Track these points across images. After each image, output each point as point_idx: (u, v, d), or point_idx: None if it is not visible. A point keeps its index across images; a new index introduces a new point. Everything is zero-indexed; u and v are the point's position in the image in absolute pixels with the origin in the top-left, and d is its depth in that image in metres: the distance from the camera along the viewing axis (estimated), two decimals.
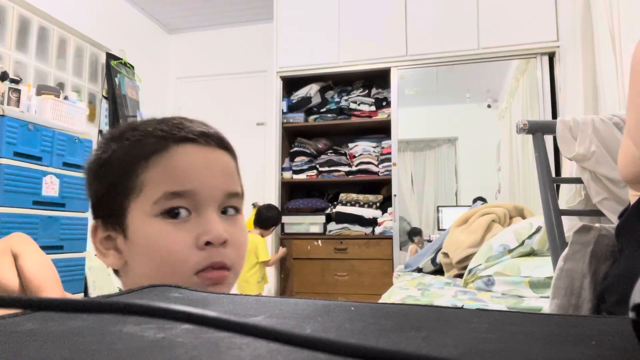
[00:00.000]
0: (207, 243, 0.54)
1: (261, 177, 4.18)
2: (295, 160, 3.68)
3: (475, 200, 3.40)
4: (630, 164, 0.76)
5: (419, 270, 2.54)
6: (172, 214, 0.54)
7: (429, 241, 3.46)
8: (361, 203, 3.51)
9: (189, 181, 0.55)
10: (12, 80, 2.65)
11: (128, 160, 0.56)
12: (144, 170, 0.55)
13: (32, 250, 0.47)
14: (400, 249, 3.39)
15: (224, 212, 0.59)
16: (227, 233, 0.55)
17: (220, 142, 0.61)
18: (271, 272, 3.51)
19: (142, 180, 0.55)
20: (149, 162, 0.55)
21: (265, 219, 3.21)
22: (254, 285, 3.03)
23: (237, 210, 0.61)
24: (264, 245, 3.18)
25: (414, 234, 3.66)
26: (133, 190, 0.55)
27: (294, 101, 3.71)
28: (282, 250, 3.42)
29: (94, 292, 2.91)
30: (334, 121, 3.65)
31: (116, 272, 0.60)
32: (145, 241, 0.54)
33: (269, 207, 3.30)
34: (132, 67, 4.01)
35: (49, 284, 0.46)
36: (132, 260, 0.56)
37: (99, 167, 0.58)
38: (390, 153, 3.47)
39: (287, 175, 3.64)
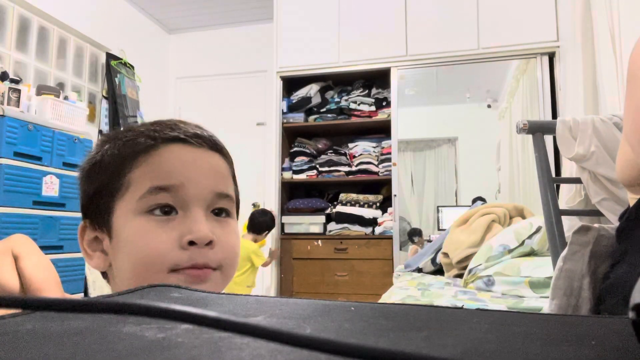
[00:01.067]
0: (191, 243, 0.52)
1: (261, 177, 4.18)
2: (295, 160, 3.68)
3: (474, 201, 3.40)
4: (627, 167, 0.76)
5: (419, 270, 2.54)
6: (156, 211, 0.53)
7: (429, 241, 3.46)
8: (361, 203, 3.51)
9: (175, 177, 0.54)
10: (12, 80, 2.65)
11: (118, 160, 0.55)
12: (132, 169, 0.54)
13: (32, 251, 0.47)
14: (400, 249, 3.39)
15: (215, 214, 0.57)
16: (213, 234, 0.53)
17: (213, 145, 0.59)
18: (271, 272, 3.51)
19: (128, 179, 0.54)
20: (137, 160, 0.54)
21: (258, 223, 3.17)
22: (244, 289, 3.01)
23: (228, 213, 0.58)
24: (258, 251, 3.13)
25: (414, 234, 3.66)
26: (120, 189, 0.54)
27: (294, 101, 3.71)
28: (274, 252, 3.40)
29: (94, 292, 2.91)
30: (334, 121, 3.65)
31: (104, 275, 0.59)
32: (127, 239, 0.53)
33: (263, 211, 3.28)
34: (132, 67, 4.01)
35: (49, 286, 0.46)
36: (115, 261, 0.55)
37: (91, 167, 0.58)
38: (390, 153, 3.47)
39: (287, 175, 3.64)
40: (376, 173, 3.54)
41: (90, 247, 0.57)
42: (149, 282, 0.47)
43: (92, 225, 0.57)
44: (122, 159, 0.55)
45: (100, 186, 0.56)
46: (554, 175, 1.17)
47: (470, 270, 1.88)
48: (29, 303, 0.17)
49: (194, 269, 0.52)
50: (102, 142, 0.59)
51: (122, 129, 0.60)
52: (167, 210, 0.53)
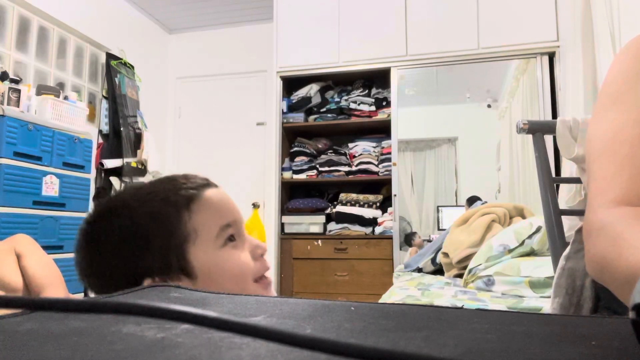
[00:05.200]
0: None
1: (261, 177, 4.18)
2: (295, 160, 3.68)
3: (469, 200, 3.39)
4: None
5: (419, 270, 2.54)
6: (228, 242, 0.64)
7: (429, 241, 3.46)
8: (361, 203, 3.51)
9: (231, 213, 0.66)
10: (12, 80, 2.65)
11: (168, 217, 0.61)
12: (190, 217, 0.62)
13: (34, 250, 0.48)
14: (400, 249, 3.39)
15: None
16: None
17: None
18: (271, 272, 3.51)
19: (193, 226, 0.61)
20: (191, 209, 0.62)
21: None
22: None
23: None
24: None
25: (410, 237, 3.67)
26: (188, 237, 0.61)
27: (294, 101, 3.71)
28: None
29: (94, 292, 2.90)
30: (334, 121, 3.65)
31: None
32: (218, 268, 0.62)
33: None
34: (132, 67, 4.01)
35: (51, 282, 0.46)
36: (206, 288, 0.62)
37: (128, 239, 0.60)
38: (390, 153, 3.47)
39: (287, 175, 3.64)
40: (376, 173, 3.54)
41: None
42: (247, 292, 0.55)
43: (157, 277, 0.60)
44: (175, 212, 0.61)
45: (161, 245, 0.60)
46: (554, 175, 1.17)
47: (470, 270, 1.88)
48: (29, 303, 0.17)
49: (267, 278, 0.67)
50: (107, 217, 0.62)
51: (116, 204, 0.64)
52: (232, 238, 0.65)
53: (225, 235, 0.64)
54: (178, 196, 0.63)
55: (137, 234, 0.59)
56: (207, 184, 0.67)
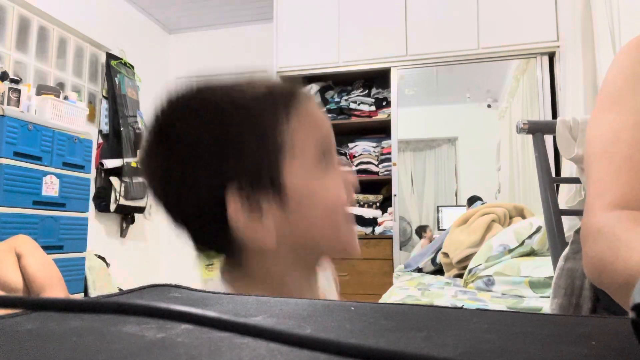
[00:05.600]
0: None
1: None
2: None
3: (470, 200, 3.39)
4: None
5: (419, 270, 2.54)
6: (324, 162, 0.53)
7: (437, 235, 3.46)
8: (361, 203, 3.51)
9: (327, 127, 0.55)
10: (12, 80, 2.65)
11: (259, 117, 0.50)
12: (288, 126, 0.50)
13: (35, 250, 0.47)
14: (400, 249, 3.39)
15: None
16: None
17: None
18: None
19: (290, 137, 0.50)
20: (290, 114, 0.51)
21: None
22: None
23: None
24: None
25: (421, 229, 3.67)
26: (284, 148, 0.49)
27: None
28: None
29: (94, 292, 2.91)
30: (334, 121, 3.65)
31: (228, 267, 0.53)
32: (310, 195, 0.51)
33: None
34: (132, 67, 4.01)
35: (51, 283, 0.46)
36: (291, 222, 0.50)
37: (208, 139, 0.49)
38: (390, 153, 3.47)
39: None
40: (376, 173, 3.54)
41: (248, 219, 0.48)
42: (338, 231, 0.53)
43: (248, 189, 0.48)
44: (272, 114, 0.50)
45: (254, 148, 0.49)
46: (554, 175, 1.17)
47: (470, 270, 1.88)
48: (29, 303, 0.17)
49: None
50: (189, 115, 0.51)
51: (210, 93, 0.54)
52: (326, 160, 0.54)
53: (321, 157, 0.53)
54: (275, 95, 0.52)
55: (226, 134, 0.48)
56: (306, 95, 0.55)
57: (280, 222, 0.49)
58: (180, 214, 0.52)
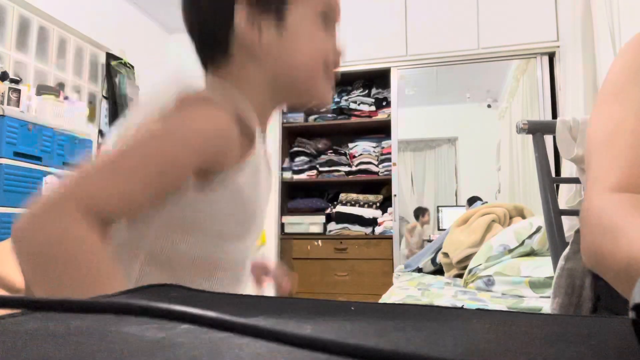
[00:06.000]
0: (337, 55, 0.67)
1: None
2: (295, 160, 3.68)
3: (470, 200, 3.39)
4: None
5: (419, 270, 2.54)
6: (321, 22, 0.64)
7: (429, 241, 3.46)
8: (361, 203, 3.51)
9: (337, 8, 0.66)
10: (12, 80, 2.65)
11: None
12: None
13: None
14: (401, 249, 3.39)
15: None
16: None
17: None
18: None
19: None
20: None
21: None
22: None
23: None
24: None
25: (420, 211, 3.66)
26: None
27: None
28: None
29: None
30: (334, 121, 3.65)
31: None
32: (305, 34, 0.62)
33: None
34: (132, 67, 4.01)
35: None
36: (279, 53, 0.61)
37: None
38: (390, 153, 3.47)
39: (287, 175, 3.64)
40: (376, 173, 3.54)
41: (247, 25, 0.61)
42: (316, 76, 0.63)
43: (258, 4, 0.60)
44: None
45: None
46: (554, 175, 1.17)
47: (470, 270, 1.88)
48: (29, 303, 0.17)
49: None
50: None
51: None
52: (326, 22, 0.65)
53: (322, 18, 0.64)
54: None
55: None
56: None
57: (272, 44, 0.61)
58: (198, 16, 0.65)
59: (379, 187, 3.65)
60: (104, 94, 3.73)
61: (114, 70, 3.76)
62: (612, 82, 0.63)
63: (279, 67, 0.62)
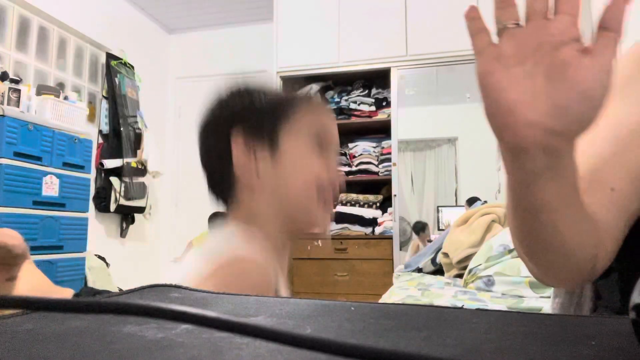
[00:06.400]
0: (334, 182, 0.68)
1: None
2: None
3: (469, 200, 3.39)
4: None
5: (419, 270, 2.54)
6: (315, 149, 0.66)
7: (429, 241, 3.46)
8: (361, 203, 3.51)
9: (327, 126, 0.69)
10: (12, 80, 2.65)
11: (278, 99, 0.67)
12: (294, 111, 0.66)
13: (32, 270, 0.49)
14: (400, 249, 3.38)
15: None
16: None
17: None
18: None
19: (294, 115, 0.66)
20: (299, 107, 0.67)
21: None
22: None
23: None
24: None
25: (419, 228, 3.65)
26: (286, 118, 0.65)
27: None
28: None
29: None
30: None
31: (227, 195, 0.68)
32: (295, 161, 0.65)
33: None
34: (132, 67, 4.01)
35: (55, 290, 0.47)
36: (277, 174, 0.64)
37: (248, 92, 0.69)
38: (390, 153, 3.47)
39: None
40: (376, 173, 3.54)
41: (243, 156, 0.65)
42: (313, 204, 0.64)
43: (252, 135, 0.64)
44: (288, 100, 0.67)
45: (263, 109, 0.66)
46: None
47: (470, 270, 1.88)
48: (29, 303, 0.17)
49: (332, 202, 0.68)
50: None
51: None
52: (320, 149, 0.67)
53: (316, 145, 0.66)
54: (293, 95, 0.69)
55: (249, 103, 0.67)
56: (324, 107, 0.71)
57: (268, 171, 0.64)
58: (206, 159, 0.69)
59: (379, 187, 3.65)
60: (104, 94, 3.73)
61: (114, 70, 3.76)
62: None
63: (278, 196, 0.64)
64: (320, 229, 0.67)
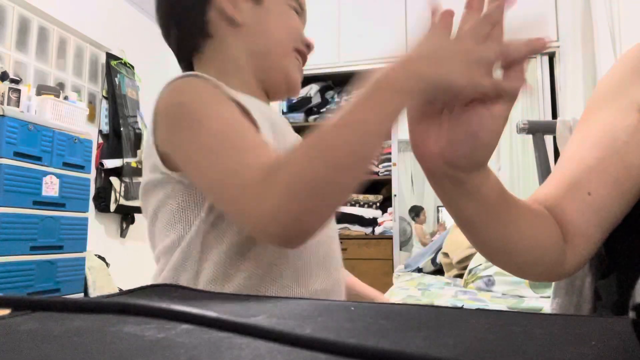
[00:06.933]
0: (307, 46, 0.70)
1: None
2: None
3: None
4: None
5: (419, 270, 2.54)
6: (294, 6, 0.68)
7: (433, 234, 3.46)
8: (361, 203, 3.51)
9: (305, 3, 0.71)
10: (12, 80, 2.65)
11: None
12: None
13: None
14: (400, 249, 3.38)
15: None
16: None
17: None
18: None
19: None
20: None
21: None
22: None
23: None
24: None
25: (415, 210, 3.65)
26: None
27: (294, 101, 3.71)
28: None
29: (94, 292, 2.91)
30: None
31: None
32: (271, 18, 0.65)
33: None
34: (132, 67, 4.01)
35: None
36: (257, 24, 0.65)
37: None
38: (390, 153, 3.47)
39: None
40: (376, 173, 3.54)
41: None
42: (280, 57, 0.66)
43: None
44: None
45: None
46: None
47: (470, 270, 1.88)
48: (29, 303, 0.17)
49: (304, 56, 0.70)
50: None
51: None
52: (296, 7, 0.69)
53: (297, 3, 0.68)
54: None
55: None
56: None
57: (249, 16, 0.64)
58: (175, 6, 0.67)
59: (379, 187, 3.65)
60: (104, 94, 3.73)
61: (114, 70, 3.76)
62: (599, 92, 0.63)
63: (256, 40, 0.65)
64: (294, 81, 0.69)
